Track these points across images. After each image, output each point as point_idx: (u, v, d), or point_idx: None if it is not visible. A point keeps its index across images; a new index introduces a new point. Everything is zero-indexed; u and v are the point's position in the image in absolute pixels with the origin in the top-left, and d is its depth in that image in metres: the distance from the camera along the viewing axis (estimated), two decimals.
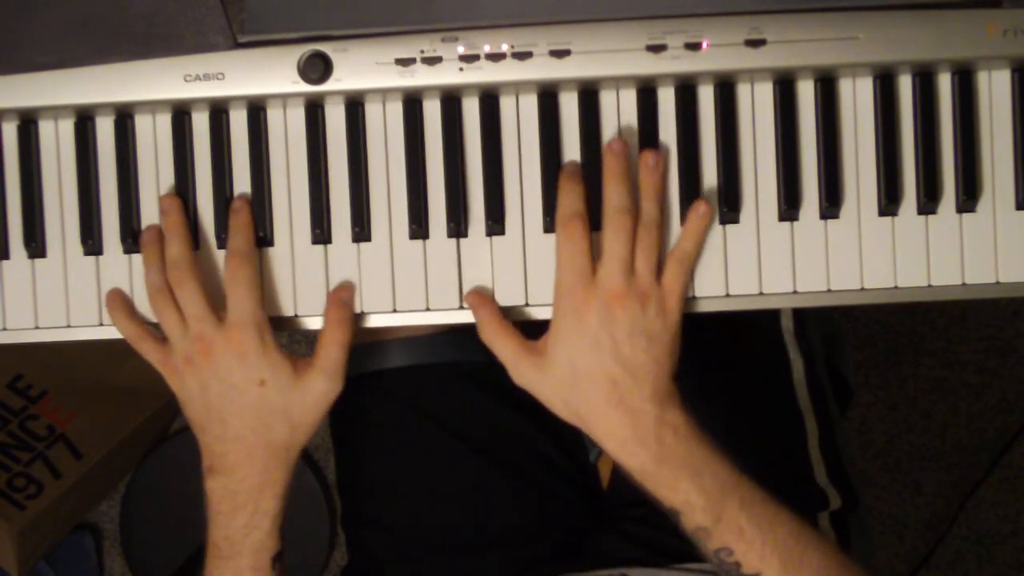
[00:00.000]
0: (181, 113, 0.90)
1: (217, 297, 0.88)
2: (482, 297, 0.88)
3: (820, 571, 0.82)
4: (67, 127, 0.91)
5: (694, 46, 0.86)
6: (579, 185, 0.85)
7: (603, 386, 0.82)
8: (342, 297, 0.89)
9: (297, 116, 0.90)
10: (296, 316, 0.90)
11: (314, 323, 0.90)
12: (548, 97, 0.89)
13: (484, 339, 0.86)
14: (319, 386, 0.87)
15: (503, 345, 0.85)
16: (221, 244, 0.90)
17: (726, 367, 1.06)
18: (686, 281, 0.85)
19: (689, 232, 0.86)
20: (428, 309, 0.90)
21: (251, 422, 0.86)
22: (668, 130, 0.89)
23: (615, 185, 0.85)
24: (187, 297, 0.86)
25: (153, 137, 0.91)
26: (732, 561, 0.82)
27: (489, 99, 0.89)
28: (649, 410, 0.82)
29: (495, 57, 0.86)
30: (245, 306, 0.86)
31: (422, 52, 0.86)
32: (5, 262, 0.91)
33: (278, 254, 0.90)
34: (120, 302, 0.90)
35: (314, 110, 0.90)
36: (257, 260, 0.89)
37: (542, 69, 0.86)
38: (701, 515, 0.82)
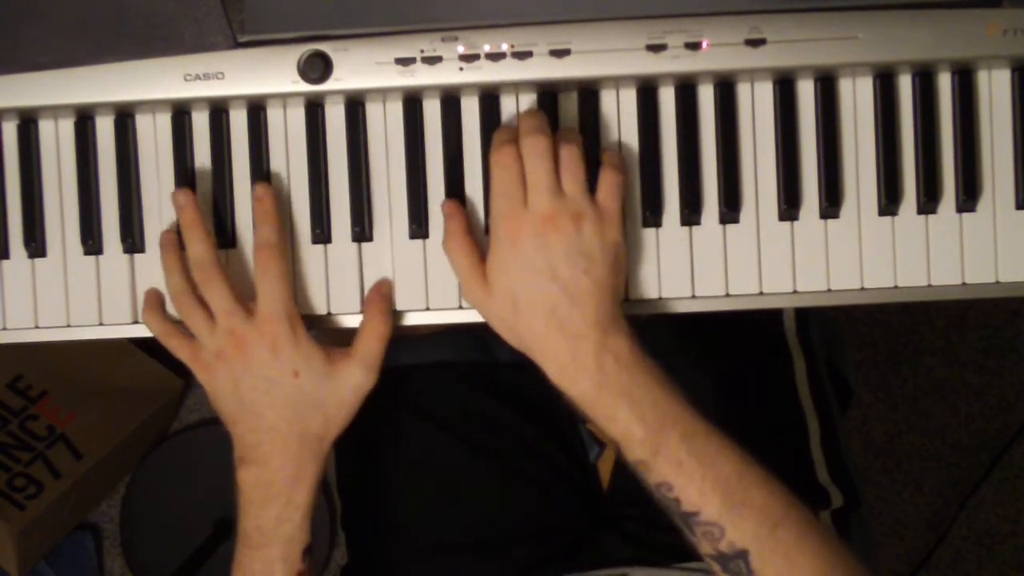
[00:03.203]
0: (181, 113, 0.90)
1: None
2: (457, 206, 0.88)
3: (763, 510, 0.79)
4: (67, 127, 0.91)
5: (694, 46, 0.86)
6: (531, 115, 0.85)
7: (542, 312, 0.81)
8: (382, 291, 0.89)
9: (297, 116, 0.90)
10: None
11: (313, 322, 0.90)
12: (548, 97, 0.89)
13: (446, 249, 0.86)
14: (356, 378, 0.88)
15: (460, 261, 0.85)
16: (221, 243, 0.90)
17: (728, 367, 1.06)
18: (621, 195, 0.84)
19: (610, 147, 0.88)
20: (428, 308, 0.90)
21: (286, 413, 0.87)
22: (668, 130, 0.89)
23: (527, 115, 0.85)
24: (215, 293, 0.86)
25: (153, 137, 0.91)
26: (672, 497, 0.80)
27: (489, 99, 0.89)
28: (590, 335, 0.81)
29: (495, 57, 0.86)
30: (277, 298, 0.86)
31: (422, 52, 0.86)
32: (5, 262, 0.92)
33: None
34: (152, 301, 0.90)
35: (314, 110, 0.90)
36: (287, 250, 0.89)
37: (542, 69, 0.86)
38: (640, 447, 0.80)
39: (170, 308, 0.90)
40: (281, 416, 0.87)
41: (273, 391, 0.86)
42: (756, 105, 0.89)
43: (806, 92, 0.89)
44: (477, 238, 0.87)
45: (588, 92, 0.89)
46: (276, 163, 0.90)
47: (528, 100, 0.89)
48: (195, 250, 0.87)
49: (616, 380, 0.80)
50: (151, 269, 0.90)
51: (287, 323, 0.86)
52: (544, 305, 0.81)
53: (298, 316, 0.87)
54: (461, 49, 0.86)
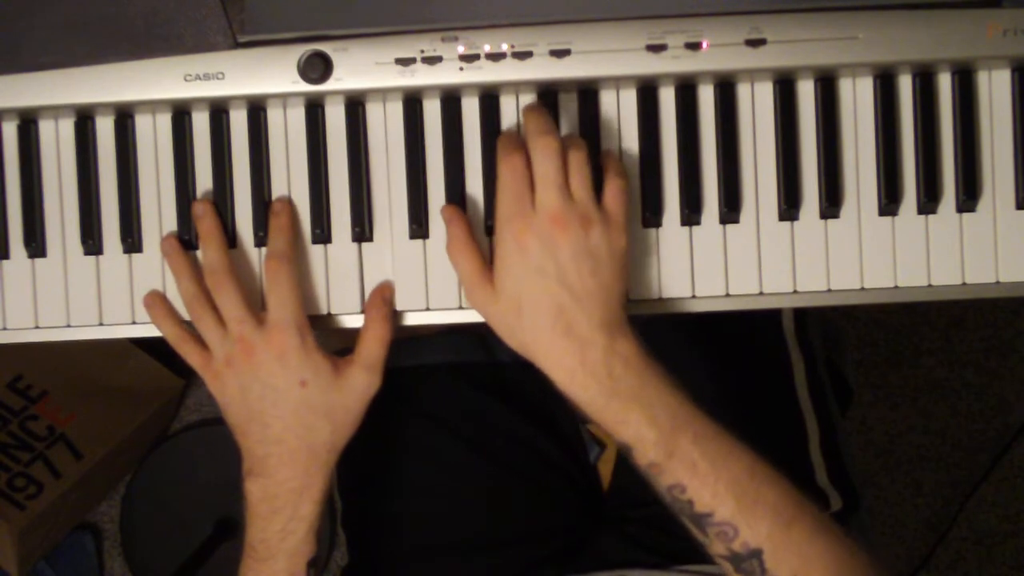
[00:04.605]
0: (181, 113, 0.90)
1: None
2: (458, 211, 0.87)
3: (776, 509, 0.79)
4: (67, 127, 0.91)
5: (694, 46, 0.86)
6: (538, 117, 0.84)
7: (549, 314, 0.81)
8: (383, 295, 0.89)
9: (297, 116, 0.90)
10: None
11: (313, 322, 0.90)
12: (548, 97, 0.89)
13: (449, 254, 0.86)
14: (360, 382, 0.88)
15: (464, 265, 0.85)
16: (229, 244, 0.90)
17: (727, 367, 1.06)
18: (626, 201, 0.84)
19: (610, 152, 0.88)
20: (428, 309, 0.90)
21: (292, 423, 0.87)
22: (668, 130, 0.89)
23: (534, 116, 0.84)
24: (227, 300, 0.86)
25: (153, 137, 0.91)
26: (685, 499, 0.80)
27: (489, 99, 0.89)
28: (598, 340, 0.80)
29: (495, 57, 0.86)
30: (286, 307, 0.86)
31: (422, 52, 0.86)
32: (5, 262, 0.92)
33: None
34: (161, 304, 0.89)
35: (314, 110, 0.90)
36: (297, 261, 0.89)
37: (542, 69, 0.86)
38: (653, 450, 0.79)
39: (181, 312, 0.90)
40: (288, 427, 0.87)
41: (280, 401, 0.86)
42: (756, 105, 0.89)
43: (806, 92, 0.89)
44: (478, 240, 0.87)
45: (588, 92, 0.89)
46: (276, 163, 0.90)
47: (528, 100, 0.89)
48: (210, 256, 0.87)
49: (626, 384, 0.80)
50: (151, 269, 0.91)
51: (296, 332, 0.86)
52: (550, 307, 0.81)
53: (308, 326, 0.87)
54: (461, 49, 0.86)
